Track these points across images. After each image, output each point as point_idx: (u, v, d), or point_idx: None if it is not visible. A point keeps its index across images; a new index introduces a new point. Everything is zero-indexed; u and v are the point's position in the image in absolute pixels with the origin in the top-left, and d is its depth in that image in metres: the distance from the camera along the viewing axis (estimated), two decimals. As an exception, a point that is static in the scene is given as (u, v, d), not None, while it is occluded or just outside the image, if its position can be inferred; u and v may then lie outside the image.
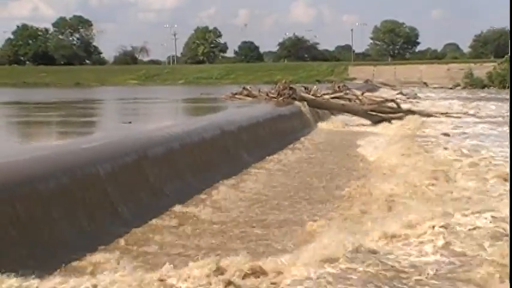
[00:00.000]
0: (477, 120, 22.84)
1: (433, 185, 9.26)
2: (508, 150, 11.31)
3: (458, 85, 62.46)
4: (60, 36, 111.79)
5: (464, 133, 18.10)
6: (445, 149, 13.94)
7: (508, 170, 9.37)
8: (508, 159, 9.93)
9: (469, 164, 11.30)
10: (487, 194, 8.58)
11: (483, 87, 58.92)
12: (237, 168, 11.11)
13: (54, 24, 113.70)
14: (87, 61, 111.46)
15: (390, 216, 7.25)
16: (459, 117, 23.73)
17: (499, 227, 6.34)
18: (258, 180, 10.52)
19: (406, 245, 6.04)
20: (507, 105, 31.24)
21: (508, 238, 5.68)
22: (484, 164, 11.26)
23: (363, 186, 9.54)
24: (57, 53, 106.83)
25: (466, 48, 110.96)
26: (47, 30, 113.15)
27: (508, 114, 21.41)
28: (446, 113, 25.17)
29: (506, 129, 18.87)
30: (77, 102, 29.00)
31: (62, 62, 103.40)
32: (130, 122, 11.38)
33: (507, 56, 61.47)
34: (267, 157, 12.99)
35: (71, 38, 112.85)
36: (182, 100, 32.07)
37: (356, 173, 11.33)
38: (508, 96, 38.27)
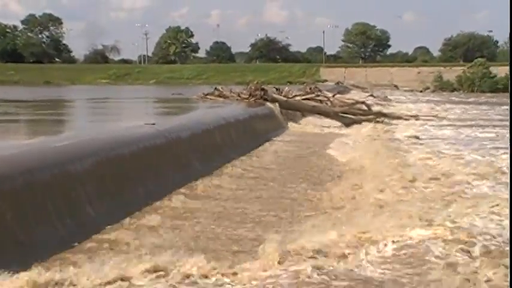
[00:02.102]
0: (446, 122, 23.09)
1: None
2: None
3: (428, 88, 63.23)
4: (30, 34, 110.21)
5: (434, 135, 18.26)
6: (415, 150, 14.04)
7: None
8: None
9: (440, 165, 11.41)
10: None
11: (452, 90, 59.75)
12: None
13: (23, 22, 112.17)
14: (57, 59, 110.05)
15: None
16: (429, 120, 23.96)
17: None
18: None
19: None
20: (475, 108, 31.71)
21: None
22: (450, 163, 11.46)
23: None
24: (26, 51, 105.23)
25: (436, 52, 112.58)
26: (15, 27, 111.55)
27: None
28: (417, 115, 25.39)
29: (474, 131, 19.16)
30: (71, 101, 30.36)
31: (31, 60, 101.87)
32: (154, 123, 11.29)
33: (476, 60, 62.49)
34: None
35: (40, 36, 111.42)
36: (160, 100, 31.73)
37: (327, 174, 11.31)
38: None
